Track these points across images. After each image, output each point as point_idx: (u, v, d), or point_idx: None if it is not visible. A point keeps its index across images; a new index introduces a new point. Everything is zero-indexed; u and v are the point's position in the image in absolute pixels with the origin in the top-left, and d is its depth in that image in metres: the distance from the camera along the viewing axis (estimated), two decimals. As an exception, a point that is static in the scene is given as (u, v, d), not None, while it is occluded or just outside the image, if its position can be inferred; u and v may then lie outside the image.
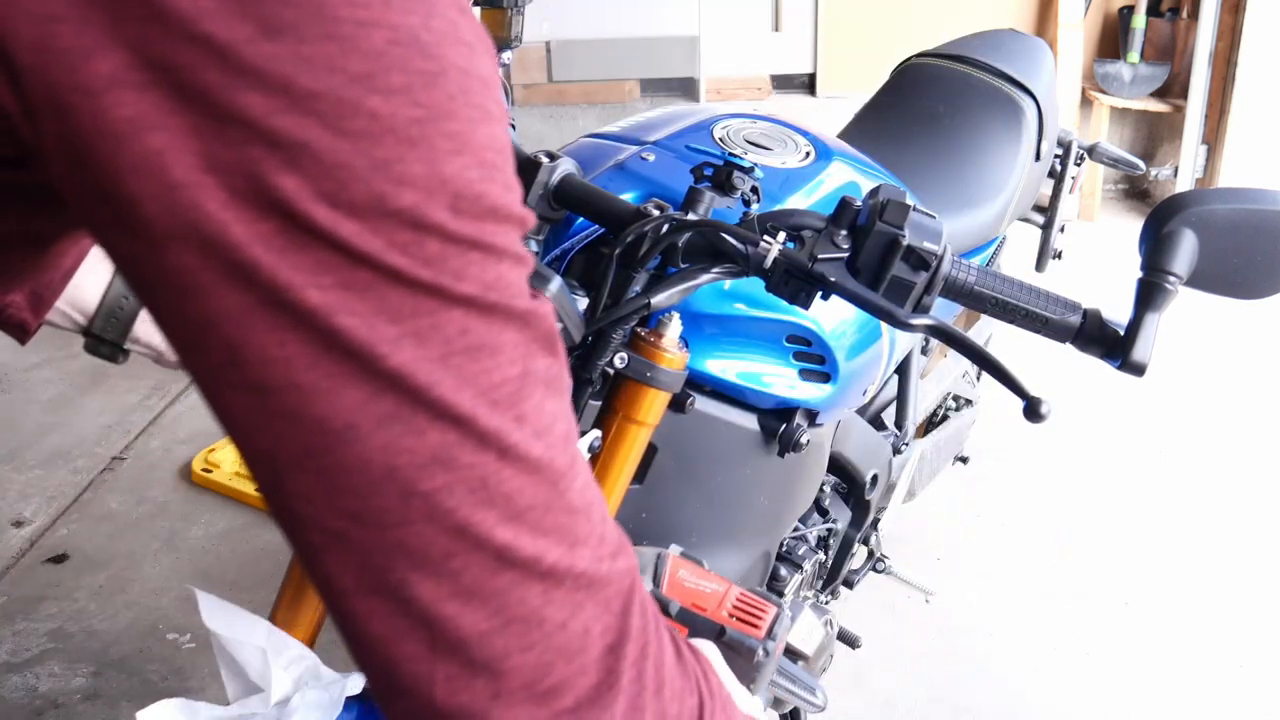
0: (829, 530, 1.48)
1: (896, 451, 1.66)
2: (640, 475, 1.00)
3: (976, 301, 0.83)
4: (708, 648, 0.70)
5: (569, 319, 0.84)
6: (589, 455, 0.91)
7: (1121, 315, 0.82)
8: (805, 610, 1.31)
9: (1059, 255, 1.96)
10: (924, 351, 1.78)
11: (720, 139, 1.14)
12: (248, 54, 0.36)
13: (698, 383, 1.03)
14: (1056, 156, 1.91)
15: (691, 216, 0.88)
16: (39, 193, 0.44)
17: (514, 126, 1.03)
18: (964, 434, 2.08)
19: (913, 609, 2.16)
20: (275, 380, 0.40)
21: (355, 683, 0.99)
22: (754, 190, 0.92)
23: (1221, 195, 0.81)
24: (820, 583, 1.51)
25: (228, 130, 0.37)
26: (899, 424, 1.69)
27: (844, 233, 0.83)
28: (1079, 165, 1.94)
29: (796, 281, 0.84)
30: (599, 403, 0.92)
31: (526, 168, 0.94)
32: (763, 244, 0.83)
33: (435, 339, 0.41)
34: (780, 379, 1.06)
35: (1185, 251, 0.81)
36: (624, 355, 0.90)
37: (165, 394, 2.98)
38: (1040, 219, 1.93)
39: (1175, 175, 3.92)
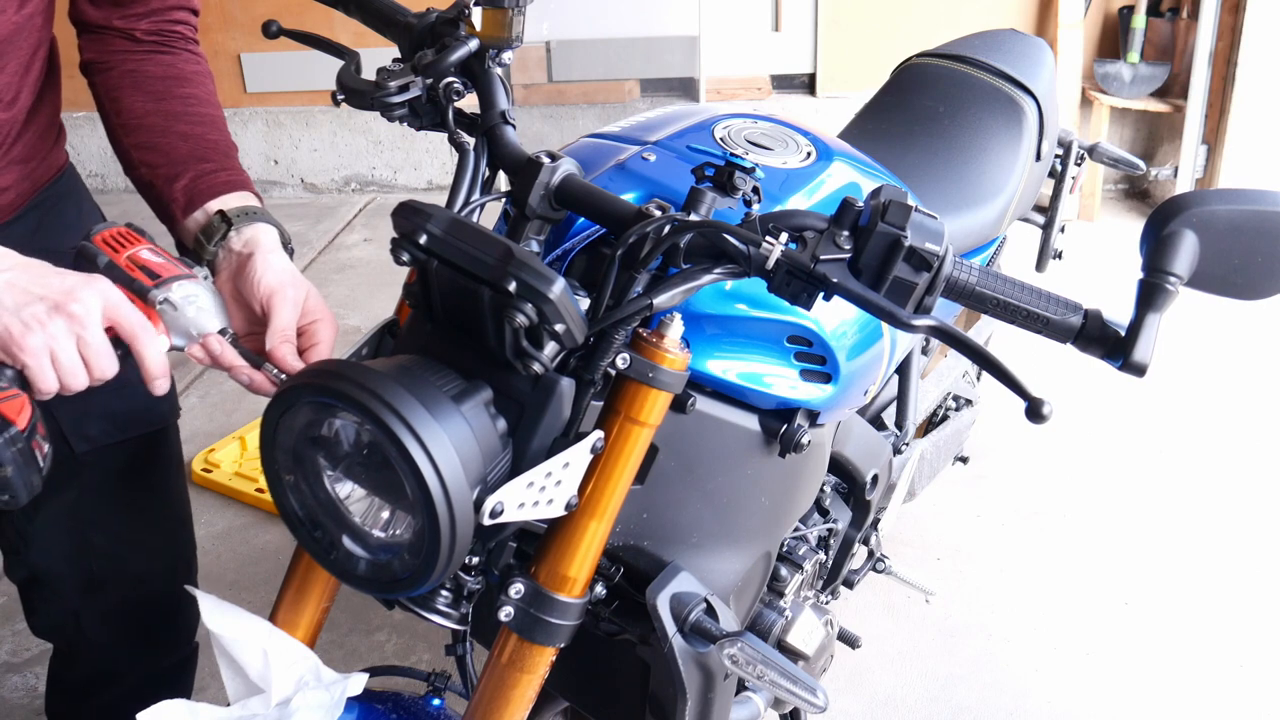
0: (829, 530, 1.48)
1: (897, 451, 1.66)
2: (641, 476, 1.00)
3: (978, 302, 0.83)
4: None
5: (571, 320, 0.84)
6: (591, 455, 0.91)
7: (1122, 316, 0.82)
8: (805, 610, 1.31)
9: (1059, 255, 1.97)
10: (924, 351, 1.78)
11: (721, 139, 1.14)
12: None
13: (699, 383, 1.03)
14: (1057, 156, 1.92)
15: (693, 217, 0.88)
16: None
17: (514, 126, 1.03)
18: (964, 434, 2.08)
19: (913, 609, 2.16)
20: None
21: (356, 683, 1.00)
22: (755, 191, 0.92)
23: (1222, 196, 0.81)
24: (820, 583, 1.51)
25: None
26: (899, 424, 1.69)
27: (846, 233, 0.83)
28: (1079, 165, 1.94)
29: (798, 282, 0.84)
30: (601, 403, 0.93)
31: (527, 168, 0.94)
32: (765, 245, 0.83)
33: None
34: (781, 379, 1.07)
35: (1186, 252, 0.81)
36: (626, 356, 0.90)
37: (165, 394, 2.98)
38: (1040, 219, 1.93)
39: (1175, 175, 3.92)
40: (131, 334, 0.94)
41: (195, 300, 1.01)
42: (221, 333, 1.02)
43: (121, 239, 1.01)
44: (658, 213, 0.88)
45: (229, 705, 0.98)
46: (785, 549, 1.34)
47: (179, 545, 1.42)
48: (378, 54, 1.11)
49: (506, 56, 1.05)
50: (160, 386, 0.97)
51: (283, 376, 1.01)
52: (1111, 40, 4.12)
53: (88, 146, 4.56)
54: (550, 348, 0.85)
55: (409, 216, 0.88)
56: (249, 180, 1.19)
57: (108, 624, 1.37)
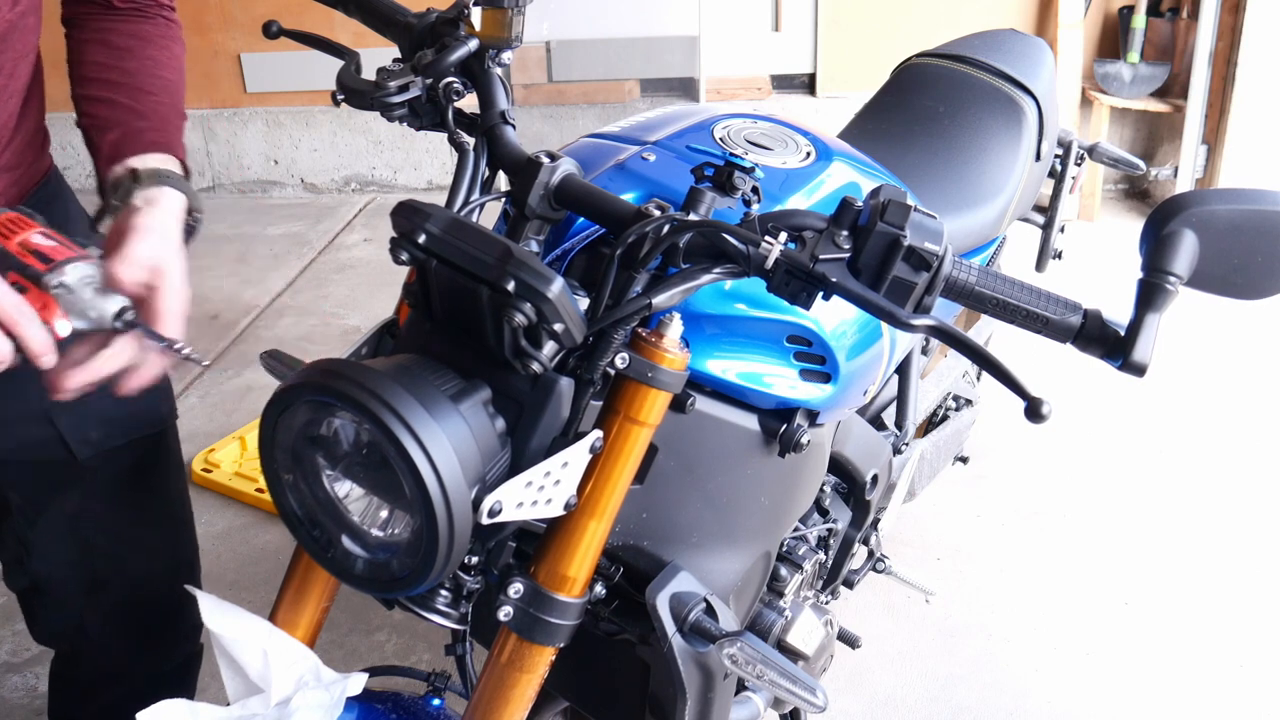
0: (829, 530, 1.48)
1: (896, 451, 1.66)
2: (641, 475, 1.00)
3: (977, 302, 0.83)
4: None
5: (570, 319, 0.84)
6: (590, 455, 0.91)
7: (1122, 316, 0.82)
8: (805, 610, 1.31)
9: (1059, 255, 1.97)
10: (924, 351, 1.78)
11: (721, 139, 1.14)
12: None
13: (698, 383, 1.03)
14: (1056, 156, 1.92)
15: (693, 217, 0.88)
16: None
17: (514, 126, 1.03)
18: (964, 434, 2.08)
19: (913, 609, 2.16)
20: None
21: (355, 683, 1.00)
22: (755, 190, 0.92)
23: (1222, 196, 0.81)
24: (820, 583, 1.51)
25: None
26: (899, 424, 1.69)
27: (845, 233, 0.83)
28: (1079, 165, 1.94)
29: (798, 282, 0.84)
30: (600, 403, 0.93)
31: (527, 168, 0.94)
32: (764, 244, 0.83)
33: None
34: (781, 379, 1.07)
35: (1186, 252, 0.81)
36: (625, 356, 0.90)
37: (165, 394, 2.98)
38: (1040, 219, 1.93)
39: (1175, 175, 3.92)
40: (10, 321, 0.91)
41: (92, 281, 0.98)
42: (121, 311, 0.98)
43: (11, 225, 0.99)
44: (657, 212, 0.88)
45: (229, 705, 0.98)
46: (785, 549, 1.34)
47: (180, 546, 1.42)
48: (378, 54, 1.11)
49: (506, 56, 1.05)
50: (46, 362, 0.94)
51: (185, 350, 1.00)
52: (1111, 40, 4.12)
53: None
54: (549, 347, 0.85)
55: (408, 216, 0.88)
56: (181, 147, 1.17)
57: (110, 624, 1.37)
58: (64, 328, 0.96)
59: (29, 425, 1.19)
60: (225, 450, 2.66)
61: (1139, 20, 3.92)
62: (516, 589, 0.94)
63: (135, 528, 1.34)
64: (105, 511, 1.31)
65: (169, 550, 1.41)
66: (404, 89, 1.02)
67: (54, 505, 1.25)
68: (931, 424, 1.99)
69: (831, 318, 1.07)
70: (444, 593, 0.97)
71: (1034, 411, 0.79)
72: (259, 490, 2.50)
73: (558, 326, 0.84)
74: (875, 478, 1.50)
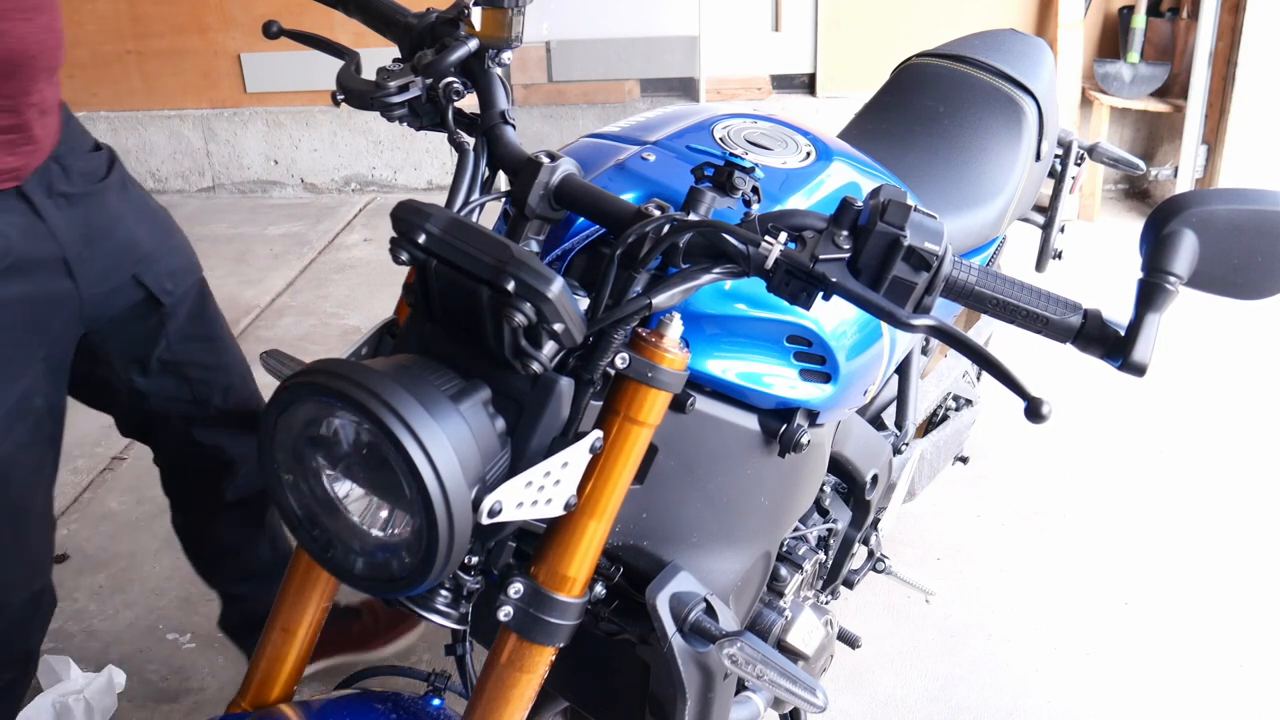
0: (829, 530, 1.48)
1: (896, 451, 1.66)
2: (641, 475, 1.00)
3: (977, 302, 0.83)
4: None
5: (570, 319, 0.84)
6: (590, 455, 0.91)
7: (1122, 316, 0.83)
8: (805, 610, 1.31)
9: (1059, 255, 1.97)
10: (924, 351, 1.78)
11: (721, 139, 1.14)
12: None
13: (698, 383, 1.03)
14: (1056, 156, 1.92)
15: (692, 217, 0.88)
16: None
17: (514, 126, 1.03)
18: (964, 434, 2.08)
19: (913, 609, 2.16)
20: None
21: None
22: (755, 190, 0.92)
23: (1222, 196, 0.82)
24: (820, 583, 1.51)
25: None
26: (899, 424, 1.69)
27: (845, 233, 0.83)
28: (1079, 165, 1.94)
29: (798, 282, 0.84)
30: (600, 403, 0.93)
31: (527, 168, 0.94)
32: (764, 244, 0.84)
33: None
34: (781, 379, 1.07)
35: (1186, 252, 0.81)
36: (625, 356, 0.90)
37: (165, 394, 2.97)
38: (1040, 219, 1.93)
39: (1175, 175, 3.92)
40: None
41: None
42: None
43: None
44: (657, 212, 0.88)
45: None
46: (785, 549, 1.34)
47: (242, 359, 1.74)
48: (378, 54, 1.11)
49: (506, 56, 1.05)
50: None
51: None
52: (1111, 40, 4.12)
53: (88, 146, 4.55)
54: (549, 347, 0.85)
55: (408, 216, 0.88)
56: None
57: (217, 428, 1.70)
58: None
59: (126, 291, 1.52)
60: (225, 450, 2.66)
61: (1139, 20, 3.92)
62: (516, 589, 0.94)
63: (212, 353, 1.68)
64: (189, 347, 1.63)
65: (239, 363, 1.75)
66: (404, 89, 1.02)
67: (154, 355, 1.58)
68: (931, 424, 1.99)
69: (831, 318, 1.07)
70: (444, 593, 0.97)
71: (1034, 411, 0.79)
72: (259, 490, 2.49)
73: (558, 326, 0.84)
74: (875, 478, 1.50)
